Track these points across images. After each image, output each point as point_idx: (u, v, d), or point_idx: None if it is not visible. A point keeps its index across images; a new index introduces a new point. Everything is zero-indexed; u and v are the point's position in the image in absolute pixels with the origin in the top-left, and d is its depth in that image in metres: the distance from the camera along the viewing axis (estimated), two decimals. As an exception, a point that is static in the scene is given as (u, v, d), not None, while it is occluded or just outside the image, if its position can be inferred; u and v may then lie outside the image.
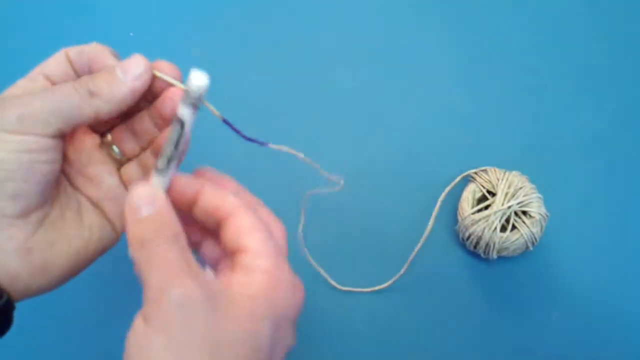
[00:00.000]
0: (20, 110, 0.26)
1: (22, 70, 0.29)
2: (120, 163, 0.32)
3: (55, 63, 0.29)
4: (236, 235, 0.26)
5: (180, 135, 0.26)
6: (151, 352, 0.22)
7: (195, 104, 0.26)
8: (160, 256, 0.24)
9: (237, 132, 0.29)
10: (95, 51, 0.29)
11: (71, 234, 0.29)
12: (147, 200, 0.25)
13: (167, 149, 0.26)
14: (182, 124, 0.26)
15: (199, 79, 0.26)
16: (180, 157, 0.27)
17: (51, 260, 0.28)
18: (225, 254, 0.28)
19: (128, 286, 0.44)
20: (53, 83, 0.28)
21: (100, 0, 0.52)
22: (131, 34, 0.51)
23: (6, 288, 0.26)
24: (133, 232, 0.25)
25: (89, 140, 0.31)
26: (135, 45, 0.51)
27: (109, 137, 0.32)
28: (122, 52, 0.30)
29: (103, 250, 0.30)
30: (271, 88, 0.50)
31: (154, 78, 0.28)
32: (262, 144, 0.29)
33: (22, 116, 0.25)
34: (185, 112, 0.26)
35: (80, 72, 0.29)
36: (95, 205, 0.30)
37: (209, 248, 0.29)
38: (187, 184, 0.27)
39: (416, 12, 0.53)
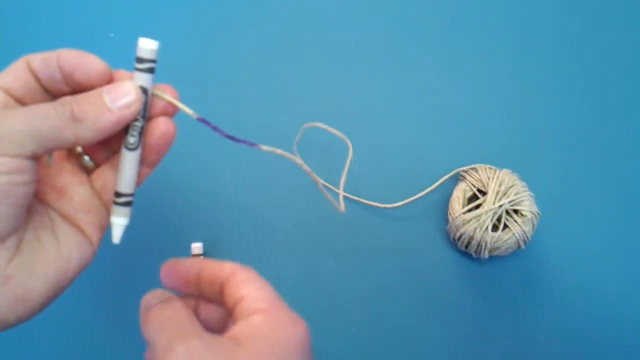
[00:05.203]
0: None
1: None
2: (89, 171, 0.30)
3: (14, 74, 0.26)
4: (235, 289, 0.27)
5: (146, 104, 0.27)
6: None
7: (152, 69, 0.27)
8: (166, 318, 0.26)
9: (224, 134, 0.29)
10: (74, 56, 0.26)
11: (49, 256, 0.26)
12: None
13: (136, 123, 0.27)
14: (145, 91, 0.27)
15: (148, 44, 0.27)
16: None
17: (31, 287, 0.25)
18: (228, 314, 0.30)
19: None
20: (15, 97, 0.26)
21: None
22: (111, 34, 0.50)
23: None
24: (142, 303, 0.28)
25: (56, 153, 0.29)
26: (114, 47, 0.49)
27: (78, 148, 0.29)
28: (100, 55, 0.29)
29: (81, 270, 0.28)
30: (267, 87, 0.49)
31: (153, 98, 0.28)
32: (252, 144, 0.29)
33: None
34: (144, 79, 0.27)
35: (46, 83, 0.26)
36: (69, 220, 0.28)
37: (207, 311, 0.31)
38: (190, 265, 0.29)
39: (408, 10, 0.52)
